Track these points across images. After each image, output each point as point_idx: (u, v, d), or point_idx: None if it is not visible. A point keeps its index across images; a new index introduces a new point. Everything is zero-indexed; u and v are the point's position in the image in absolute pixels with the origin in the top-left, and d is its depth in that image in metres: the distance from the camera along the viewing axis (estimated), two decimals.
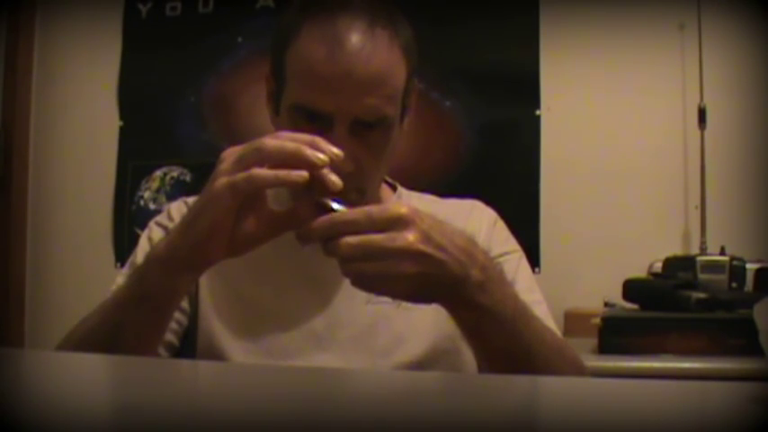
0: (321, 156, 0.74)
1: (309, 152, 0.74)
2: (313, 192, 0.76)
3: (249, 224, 0.77)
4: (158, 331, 0.87)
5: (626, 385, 0.62)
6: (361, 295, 0.78)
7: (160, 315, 0.84)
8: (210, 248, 0.78)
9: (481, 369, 0.92)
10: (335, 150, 0.75)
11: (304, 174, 0.74)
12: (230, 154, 0.76)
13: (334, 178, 0.75)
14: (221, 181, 0.75)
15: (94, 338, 0.84)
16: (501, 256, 0.99)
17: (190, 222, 0.78)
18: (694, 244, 2.09)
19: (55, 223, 2.58)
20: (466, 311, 0.78)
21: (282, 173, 0.74)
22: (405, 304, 0.81)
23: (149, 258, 0.82)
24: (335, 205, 0.75)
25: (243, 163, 0.74)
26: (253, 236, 0.78)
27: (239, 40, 2.45)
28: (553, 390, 0.62)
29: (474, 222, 1.03)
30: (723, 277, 1.74)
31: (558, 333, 0.93)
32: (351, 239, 0.71)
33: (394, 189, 1.09)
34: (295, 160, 0.74)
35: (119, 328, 0.83)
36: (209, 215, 0.76)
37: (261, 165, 0.74)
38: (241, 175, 0.74)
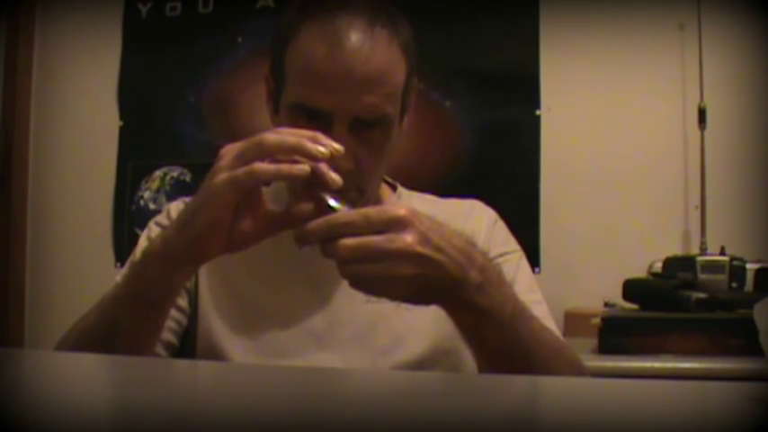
0: (322, 149, 0.74)
1: (311, 146, 0.74)
2: (313, 189, 0.76)
3: (246, 222, 0.78)
4: (155, 328, 0.87)
5: (626, 385, 0.62)
6: (361, 294, 0.78)
7: (157, 311, 0.84)
8: (209, 244, 0.78)
9: (480, 369, 0.91)
10: (336, 145, 0.75)
11: (305, 167, 0.74)
12: (229, 150, 0.76)
13: (333, 176, 0.75)
14: (222, 176, 0.75)
15: (92, 336, 0.84)
16: (501, 255, 0.99)
17: (189, 218, 0.78)
18: (694, 244, 2.09)
19: (55, 223, 2.58)
20: (464, 313, 0.78)
21: (284, 166, 0.74)
22: (404, 304, 0.81)
23: (146, 254, 0.82)
24: (333, 203, 0.75)
25: (243, 158, 0.74)
26: (249, 234, 0.78)
27: (239, 40, 2.45)
28: (553, 390, 0.62)
29: (474, 222, 1.03)
30: (723, 277, 1.74)
31: (558, 333, 0.93)
32: (348, 241, 0.71)
33: (394, 189, 1.09)
34: (296, 154, 0.74)
35: (116, 326, 0.83)
36: (209, 210, 0.76)
37: (261, 160, 0.74)
38: (242, 170, 0.74)
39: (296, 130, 0.77)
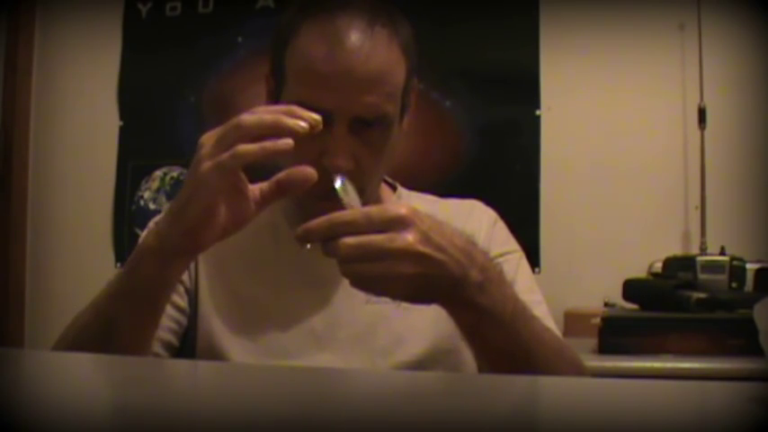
0: (302, 123, 0.74)
1: (290, 121, 0.74)
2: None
3: (234, 205, 0.78)
4: (152, 324, 0.86)
5: (626, 385, 0.62)
6: (361, 295, 0.78)
7: (153, 307, 0.84)
8: (203, 233, 0.78)
9: (481, 369, 0.92)
10: (314, 116, 0.75)
11: (289, 141, 0.74)
12: (209, 137, 0.76)
13: (314, 115, 0.75)
14: (206, 165, 0.74)
15: (88, 334, 0.84)
16: (501, 256, 0.99)
17: (180, 210, 0.78)
18: (694, 244, 2.09)
19: (55, 223, 2.58)
20: (465, 312, 0.78)
21: (268, 144, 0.73)
22: (404, 304, 0.81)
23: (139, 251, 0.82)
24: (338, 183, 0.76)
25: (224, 142, 0.74)
26: (239, 216, 0.79)
27: (239, 40, 2.45)
28: (553, 390, 0.62)
29: (474, 222, 1.03)
30: (723, 277, 1.74)
31: (558, 333, 0.93)
32: (350, 240, 0.71)
33: (394, 189, 1.09)
34: (276, 131, 0.74)
35: (112, 323, 0.83)
36: (200, 200, 0.76)
37: (243, 142, 0.74)
38: (226, 154, 0.73)
39: (272, 107, 0.77)
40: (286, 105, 0.77)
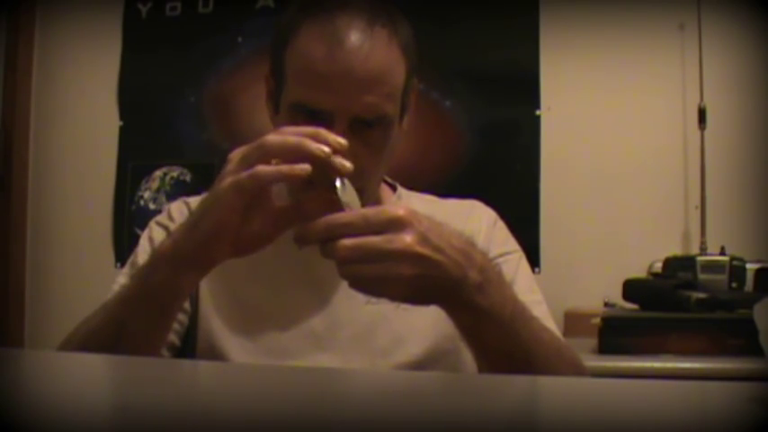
0: (325, 148, 0.74)
1: (313, 146, 0.74)
2: (316, 186, 0.76)
3: (255, 223, 0.78)
4: (162, 330, 0.87)
5: (626, 385, 0.62)
6: (361, 295, 0.78)
7: (164, 314, 0.84)
8: (216, 248, 0.78)
9: (480, 370, 0.91)
10: (340, 140, 0.76)
11: (307, 167, 0.74)
12: (236, 154, 0.77)
13: (346, 163, 0.75)
14: (226, 181, 0.75)
15: (98, 338, 0.84)
16: (500, 256, 0.99)
17: (196, 222, 0.78)
18: (694, 244, 2.09)
19: (55, 223, 2.58)
20: (464, 313, 0.78)
21: (285, 168, 0.74)
22: (404, 305, 0.81)
23: (154, 257, 0.82)
24: (338, 183, 0.76)
25: (247, 161, 0.75)
26: (259, 235, 0.79)
27: (239, 40, 2.45)
28: (553, 390, 0.62)
29: (474, 222, 1.03)
30: (723, 277, 1.74)
31: (558, 333, 0.93)
32: (348, 242, 0.71)
33: (394, 189, 1.09)
34: (298, 155, 0.74)
35: (123, 328, 0.83)
36: (214, 215, 0.76)
37: (266, 162, 0.74)
38: (245, 174, 0.74)
39: (298, 129, 0.77)
40: (313, 127, 0.76)
